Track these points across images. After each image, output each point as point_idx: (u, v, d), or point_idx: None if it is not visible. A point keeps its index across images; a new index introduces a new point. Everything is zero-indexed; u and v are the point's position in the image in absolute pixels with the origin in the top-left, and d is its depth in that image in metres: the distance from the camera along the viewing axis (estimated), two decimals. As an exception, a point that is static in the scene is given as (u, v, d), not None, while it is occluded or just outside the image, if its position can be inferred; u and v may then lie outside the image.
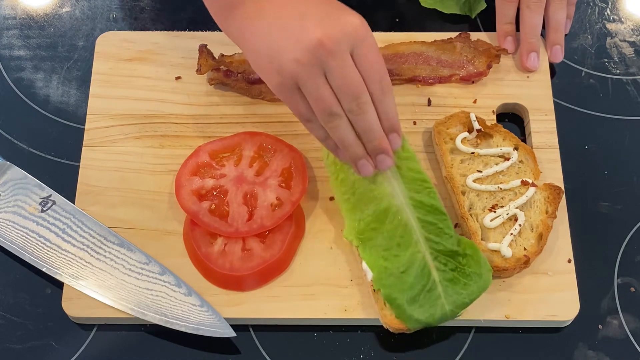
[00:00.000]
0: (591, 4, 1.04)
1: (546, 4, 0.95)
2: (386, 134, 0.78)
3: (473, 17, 1.00)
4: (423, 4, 1.01)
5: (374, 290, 0.80)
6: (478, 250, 0.80)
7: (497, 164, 0.87)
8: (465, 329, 0.83)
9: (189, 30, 0.99)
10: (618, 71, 0.98)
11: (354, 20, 0.74)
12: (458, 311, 0.79)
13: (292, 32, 0.74)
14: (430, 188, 0.82)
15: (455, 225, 0.86)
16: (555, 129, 0.92)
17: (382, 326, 0.83)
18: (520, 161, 0.88)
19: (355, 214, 0.82)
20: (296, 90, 0.76)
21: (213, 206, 0.85)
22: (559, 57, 0.96)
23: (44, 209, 0.86)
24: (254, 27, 0.77)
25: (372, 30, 0.97)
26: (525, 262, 0.82)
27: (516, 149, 0.88)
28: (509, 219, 0.85)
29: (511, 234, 0.83)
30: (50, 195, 0.87)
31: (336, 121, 0.76)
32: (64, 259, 0.83)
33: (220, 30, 0.99)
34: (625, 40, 1.01)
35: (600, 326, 0.84)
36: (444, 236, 0.80)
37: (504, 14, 0.96)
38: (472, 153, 0.88)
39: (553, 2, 0.95)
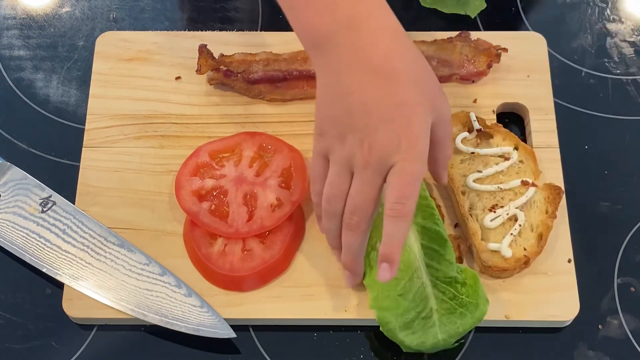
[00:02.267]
0: (591, 4, 1.04)
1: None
2: (379, 261, 0.74)
3: (473, 17, 1.00)
4: (423, 4, 1.00)
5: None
6: (478, 280, 0.80)
7: (497, 164, 0.87)
8: (465, 329, 0.83)
9: (189, 30, 0.99)
10: (618, 71, 0.98)
11: (403, 146, 0.72)
12: (451, 340, 0.78)
13: (350, 120, 0.74)
14: (435, 214, 0.81)
15: (455, 225, 0.86)
16: (556, 128, 0.92)
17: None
18: (520, 161, 0.88)
19: None
20: (324, 157, 0.77)
21: (213, 207, 0.85)
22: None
23: (44, 209, 0.86)
24: (329, 79, 0.76)
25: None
26: (525, 262, 0.82)
27: (516, 148, 0.88)
28: (509, 219, 0.84)
29: (511, 234, 0.83)
30: (50, 196, 0.87)
31: (329, 210, 0.77)
32: (64, 259, 0.83)
33: (220, 30, 1.00)
34: (625, 40, 1.01)
35: (600, 326, 0.84)
36: (444, 262, 0.80)
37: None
38: (472, 153, 0.88)
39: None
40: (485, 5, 0.99)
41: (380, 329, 0.79)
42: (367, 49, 0.74)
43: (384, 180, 0.74)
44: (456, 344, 0.79)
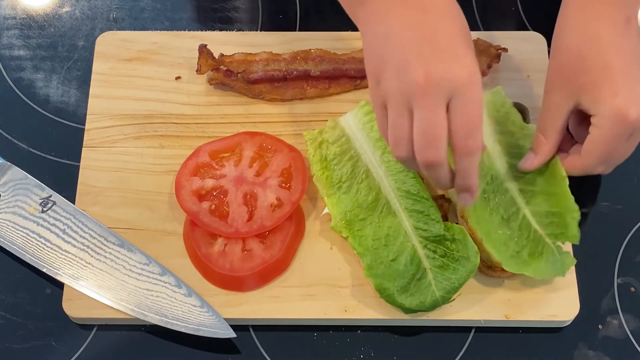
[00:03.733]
0: (591, 3, 1.04)
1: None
2: (458, 190, 0.77)
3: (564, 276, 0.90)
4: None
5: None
6: (467, 234, 0.81)
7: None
8: (465, 329, 0.83)
9: (189, 30, 0.99)
10: (618, 71, 0.98)
11: (463, 72, 0.71)
12: (449, 296, 0.80)
13: (405, 54, 0.72)
14: (416, 177, 0.84)
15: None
16: (555, 128, 0.92)
17: (382, 326, 0.83)
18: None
19: (341, 207, 0.83)
20: (384, 107, 0.75)
21: (213, 206, 0.85)
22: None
23: (44, 209, 0.86)
24: (378, 26, 0.76)
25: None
26: (526, 262, 0.83)
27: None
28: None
29: (511, 234, 0.84)
30: (50, 196, 0.87)
31: (402, 155, 0.75)
32: (64, 259, 0.83)
33: (220, 30, 1.00)
34: (625, 40, 1.00)
35: (600, 326, 0.84)
36: (431, 222, 0.81)
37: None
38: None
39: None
40: (575, 261, 0.85)
41: (380, 296, 0.80)
42: None
43: (447, 110, 0.72)
44: (454, 299, 0.80)
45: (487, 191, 0.83)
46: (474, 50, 0.75)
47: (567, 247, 0.83)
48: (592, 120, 0.78)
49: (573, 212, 0.81)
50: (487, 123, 0.86)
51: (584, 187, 0.90)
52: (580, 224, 0.85)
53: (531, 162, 0.82)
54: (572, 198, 0.82)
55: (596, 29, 0.79)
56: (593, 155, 0.79)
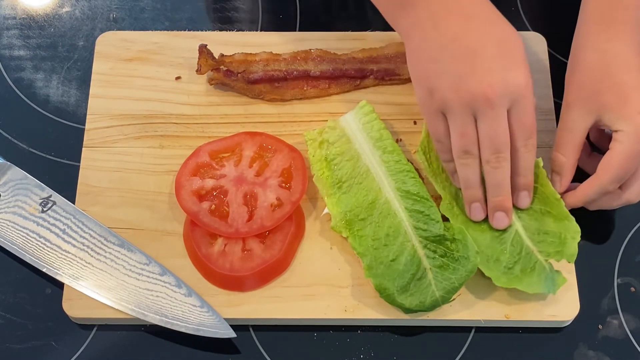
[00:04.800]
0: (591, 3, 1.04)
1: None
2: (516, 190, 0.81)
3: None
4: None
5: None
6: (466, 234, 0.81)
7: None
8: (465, 329, 0.83)
9: (189, 30, 0.99)
10: (618, 71, 0.98)
11: (521, 80, 0.76)
12: (449, 296, 0.80)
13: (458, 66, 0.76)
14: (416, 177, 0.84)
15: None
16: (556, 128, 0.91)
17: (382, 326, 0.83)
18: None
19: (341, 207, 0.83)
20: (440, 114, 0.78)
21: (213, 206, 0.85)
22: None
23: (44, 209, 0.86)
24: (424, 35, 0.78)
25: (372, 30, 0.97)
26: (525, 262, 0.83)
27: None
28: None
29: (511, 234, 0.84)
30: (50, 196, 0.87)
31: (468, 160, 0.79)
32: (64, 259, 0.83)
33: (220, 31, 1.00)
34: (625, 40, 1.00)
35: (600, 326, 0.84)
36: (430, 222, 0.81)
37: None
38: None
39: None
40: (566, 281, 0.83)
41: (380, 296, 0.80)
42: None
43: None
44: (454, 299, 0.80)
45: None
46: (522, 51, 0.77)
47: (562, 265, 0.83)
48: (616, 135, 0.80)
49: (574, 232, 0.81)
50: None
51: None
52: (581, 224, 0.85)
53: (559, 184, 0.84)
54: (572, 219, 0.82)
55: (617, 48, 0.81)
56: (611, 170, 0.80)
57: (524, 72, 0.76)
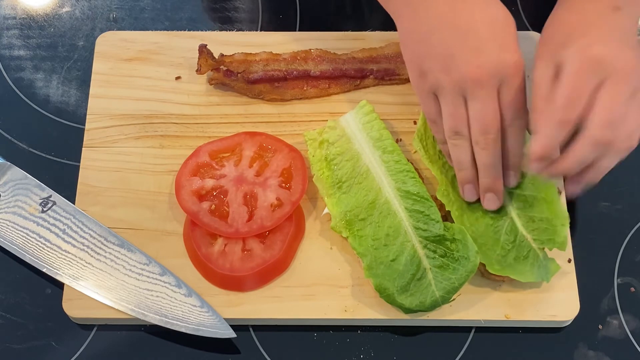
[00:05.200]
0: (591, 3, 1.03)
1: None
2: (505, 169, 0.80)
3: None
4: None
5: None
6: (466, 234, 0.81)
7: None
8: (465, 329, 0.83)
9: (189, 30, 0.99)
10: (618, 71, 0.98)
11: (510, 60, 0.76)
12: (449, 297, 0.80)
13: (449, 47, 0.76)
14: (416, 177, 0.84)
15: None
16: (555, 128, 0.92)
17: (382, 326, 0.83)
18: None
19: (341, 207, 0.83)
20: (432, 95, 0.79)
21: (213, 206, 0.85)
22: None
23: (44, 209, 0.86)
24: (414, 15, 0.78)
25: (372, 30, 0.97)
26: (525, 262, 0.83)
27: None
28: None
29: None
30: (50, 196, 0.87)
31: (459, 141, 0.79)
32: (64, 259, 0.83)
33: (220, 30, 1.00)
34: (625, 40, 1.00)
35: (600, 326, 0.84)
36: (430, 222, 0.81)
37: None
38: None
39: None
40: (560, 268, 0.84)
41: (380, 296, 0.80)
42: None
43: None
44: (454, 299, 0.80)
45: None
46: (514, 31, 0.77)
47: (557, 253, 0.83)
48: (563, 68, 0.76)
49: (563, 219, 0.82)
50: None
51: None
52: (581, 224, 0.86)
53: (536, 143, 0.75)
54: (562, 205, 0.82)
55: (585, 6, 0.79)
56: (562, 92, 0.74)
57: (514, 53, 0.76)
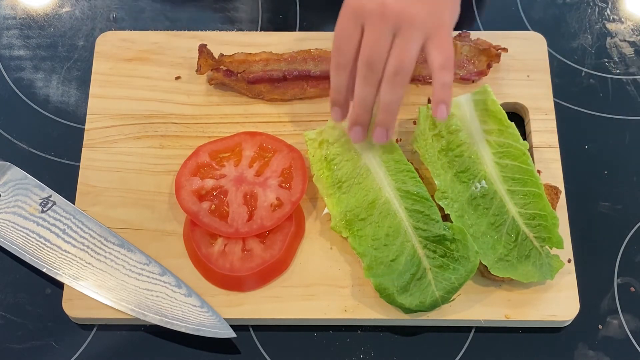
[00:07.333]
0: (591, 4, 1.04)
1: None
2: (376, 125, 0.81)
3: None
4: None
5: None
6: (466, 234, 0.81)
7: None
8: (465, 329, 0.83)
9: (189, 30, 0.99)
10: (618, 71, 0.98)
11: (420, 12, 0.76)
12: (449, 297, 0.80)
13: None
14: (416, 177, 0.84)
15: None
16: (556, 128, 0.92)
17: (382, 326, 0.83)
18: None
19: (341, 207, 0.83)
20: (356, 19, 0.78)
21: (213, 207, 0.85)
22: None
23: (44, 209, 0.86)
24: None
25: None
26: (525, 262, 0.83)
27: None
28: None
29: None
30: (50, 196, 0.87)
31: (340, 67, 0.79)
32: (64, 259, 0.83)
33: (220, 30, 1.00)
34: (625, 40, 1.01)
35: (600, 326, 0.84)
36: (430, 222, 0.82)
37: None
38: None
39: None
40: (563, 265, 0.84)
41: (380, 296, 0.80)
42: None
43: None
44: (454, 299, 0.80)
45: (476, 195, 0.83)
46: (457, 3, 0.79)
47: (557, 253, 0.83)
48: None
49: (553, 218, 0.82)
50: (475, 122, 0.86)
51: (584, 187, 0.90)
52: (581, 224, 0.86)
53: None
54: (545, 199, 0.82)
55: None
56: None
57: (431, 8, 0.77)
